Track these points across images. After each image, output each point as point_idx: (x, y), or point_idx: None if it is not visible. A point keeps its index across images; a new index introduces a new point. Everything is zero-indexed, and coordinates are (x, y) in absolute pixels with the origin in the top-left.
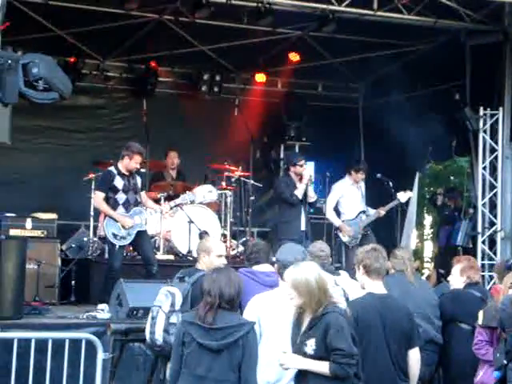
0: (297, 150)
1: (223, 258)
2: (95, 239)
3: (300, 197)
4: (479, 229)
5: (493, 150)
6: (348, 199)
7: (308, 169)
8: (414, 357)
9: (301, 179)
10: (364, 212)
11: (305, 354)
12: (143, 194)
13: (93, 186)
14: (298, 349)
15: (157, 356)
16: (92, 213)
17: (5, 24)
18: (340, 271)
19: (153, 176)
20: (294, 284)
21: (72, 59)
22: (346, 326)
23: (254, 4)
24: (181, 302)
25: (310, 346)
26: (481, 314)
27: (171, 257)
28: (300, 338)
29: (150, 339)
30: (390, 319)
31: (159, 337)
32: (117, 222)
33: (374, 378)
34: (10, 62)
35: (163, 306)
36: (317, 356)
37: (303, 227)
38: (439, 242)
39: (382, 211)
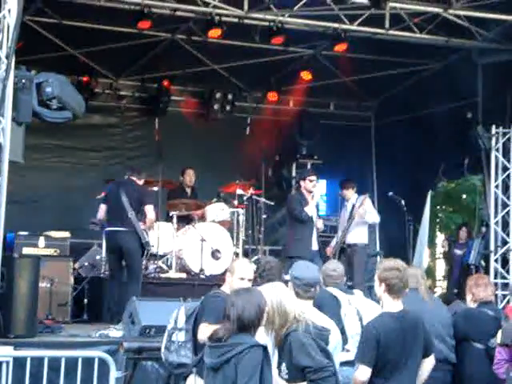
0: (309, 168)
1: (246, 281)
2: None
3: (310, 214)
4: (492, 247)
5: (505, 169)
6: (342, 220)
7: (319, 187)
8: (430, 363)
9: (311, 196)
10: (344, 230)
11: (283, 379)
12: None
13: None
14: (278, 374)
15: (169, 375)
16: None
17: (19, 43)
18: (354, 290)
19: (169, 193)
20: None
21: (85, 78)
22: (307, 341)
23: (267, 23)
24: (184, 320)
25: (283, 370)
26: (499, 333)
27: (183, 275)
28: (277, 363)
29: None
30: (410, 337)
31: (162, 354)
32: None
33: None
34: (24, 81)
35: (170, 324)
36: (291, 380)
37: (315, 247)
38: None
39: (356, 215)
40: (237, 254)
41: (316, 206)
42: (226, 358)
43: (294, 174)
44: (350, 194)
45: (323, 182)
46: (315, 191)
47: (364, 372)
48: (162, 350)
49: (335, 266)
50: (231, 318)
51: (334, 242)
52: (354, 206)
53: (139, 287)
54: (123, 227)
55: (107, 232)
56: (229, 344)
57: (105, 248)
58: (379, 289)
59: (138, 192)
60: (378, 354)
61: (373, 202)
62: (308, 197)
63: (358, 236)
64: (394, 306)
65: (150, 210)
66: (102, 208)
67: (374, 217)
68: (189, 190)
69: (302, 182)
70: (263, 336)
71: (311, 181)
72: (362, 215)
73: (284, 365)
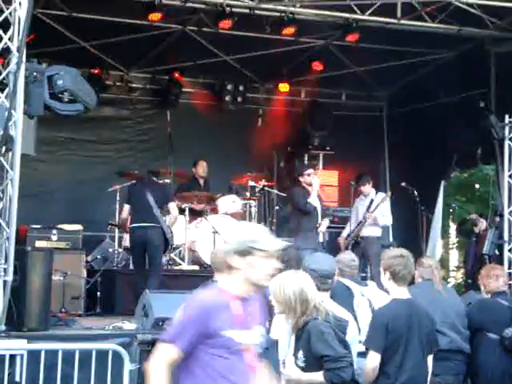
0: (321, 159)
1: None
2: (120, 250)
3: (314, 204)
4: (505, 237)
5: None
6: (356, 212)
7: (317, 178)
8: (430, 362)
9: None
10: (360, 222)
11: (298, 367)
12: None
13: (118, 198)
14: (295, 362)
15: None
16: (117, 220)
17: (30, 36)
18: (368, 282)
19: (180, 186)
20: (272, 292)
21: (96, 71)
22: (326, 330)
23: (278, 14)
24: None
25: (300, 358)
26: None
27: (196, 267)
28: (293, 350)
29: None
30: (416, 324)
31: None
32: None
33: None
34: (35, 74)
35: None
36: (307, 368)
37: (321, 238)
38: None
39: (369, 217)
40: None
41: (323, 210)
42: None
43: None
44: (368, 189)
45: (335, 174)
46: (314, 182)
47: (373, 358)
48: None
49: (353, 257)
50: None
51: (345, 233)
52: (372, 201)
53: (159, 280)
54: (150, 223)
55: (134, 228)
56: None
57: (129, 243)
58: (384, 278)
59: (161, 191)
60: (387, 342)
61: (385, 192)
62: (309, 188)
63: (371, 228)
64: (400, 293)
65: (174, 207)
66: (126, 208)
67: (387, 220)
68: (202, 182)
69: (300, 178)
70: (283, 323)
71: (309, 174)
72: (375, 219)
73: (301, 352)
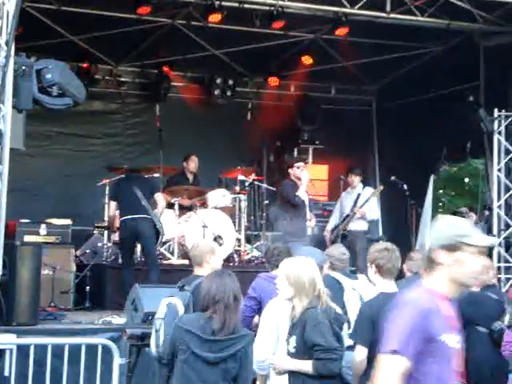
0: (310, 153)
1: None
2: (109, 244)
3: (302, 197)
4: (495, 231)
5: (508, 152)
6: (342, 205)
7: (306, 172)
8: None
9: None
10: (348, 216)
11: (289, 353)
12: None
13: (107, 192)
14: (286, 348)
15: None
16: (106, 218)
17: (18, 30)
18: (358, 275)
19: (169, 180)
20: (286, 275)
21: (85, 65)
22: (323, 321)
23: (267, 7)
24: (183, 312)
25: (292, 344)
26: (507, 316)
27: (185, 261)
28: (286, 335)
29: (156, 352)
30: None
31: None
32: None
33: None
34: (24, 68)
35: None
36: (297, 355)
37: (309, 232)
38: None
39: (358, 211)
40: (239, 240)
41: (309, 205)
42: (232, 352)
43: None
44: (357, 181)
45: (324, 167)
46: (303, 176)
47: (360, 352)
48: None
49: (343, 250)
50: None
51: (329, 226)
52: (359, 196)
53: (159, 273)
54: (139, 214)
55: (125, 220)
56: (233, 337)
57: (119, 236)
58: (370, 271)
59: (148, 184)
60: (375, 335)
61: (375, 187)
62: (298, 182)
63: (358, 223)
64: (386, 286)
65: (160, 197)
66: (112, 205)
67: (374, 215)
68: (191, 177)
69: (290, 170)
70: (283, 305)
71: (298, 167)
72: (363, 214)
73: (294, 338)
